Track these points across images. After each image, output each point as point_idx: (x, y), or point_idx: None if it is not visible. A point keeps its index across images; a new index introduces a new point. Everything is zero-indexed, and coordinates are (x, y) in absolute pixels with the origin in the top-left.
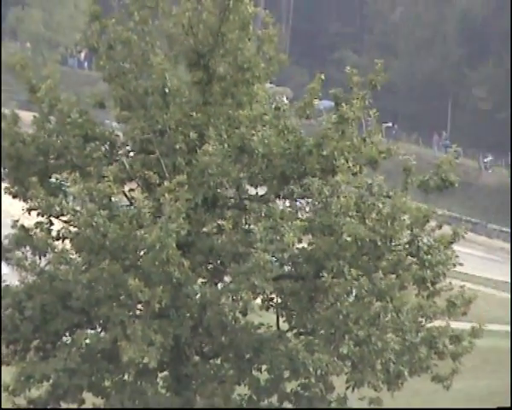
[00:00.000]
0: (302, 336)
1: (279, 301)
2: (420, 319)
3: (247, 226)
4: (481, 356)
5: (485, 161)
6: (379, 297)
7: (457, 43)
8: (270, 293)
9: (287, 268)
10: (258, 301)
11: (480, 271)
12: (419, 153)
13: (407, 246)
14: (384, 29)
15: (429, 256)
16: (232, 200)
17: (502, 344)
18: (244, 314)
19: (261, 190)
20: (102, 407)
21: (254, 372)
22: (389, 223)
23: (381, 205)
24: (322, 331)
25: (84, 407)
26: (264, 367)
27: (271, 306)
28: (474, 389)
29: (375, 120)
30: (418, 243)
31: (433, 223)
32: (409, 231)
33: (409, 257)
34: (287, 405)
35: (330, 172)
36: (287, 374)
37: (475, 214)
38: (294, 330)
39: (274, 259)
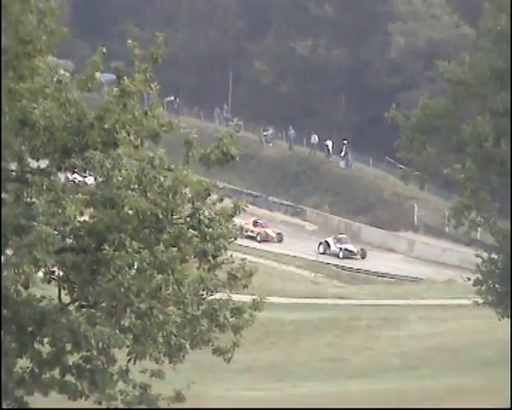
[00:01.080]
0: (84, 309)
1: (61, 274)
2: (201, 292)
3: (28, 199)
4: (262, 328)
5: (266, 134)
6: (160, 270)
7: (238, 15)
8: (52, 266)
9: (68, 241)
10: (40, 274)
11: (261, 244)
12: (200, 126)
13: (188, 219)
14: (165, 1)
15: (210, 229)
16: (14, 173)
17: (282, 316)
18: (26, 287)
19: (43, 163)
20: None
21: (36, 345)
22: (170, 196)
23: (162, 178)
24: (103, 304)
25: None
26: (46, 340)
27: (53, 279)
28: (256, 361)
29: (156, 94)
30: (199, 216)
31: (214, 196)
32: (190, 205)
33: (190, 230)
34: (69, 377)
35: (112, 146)
36: (69, 347)
37: (256, 187)
38: (76, 303)
39: (56, 232)
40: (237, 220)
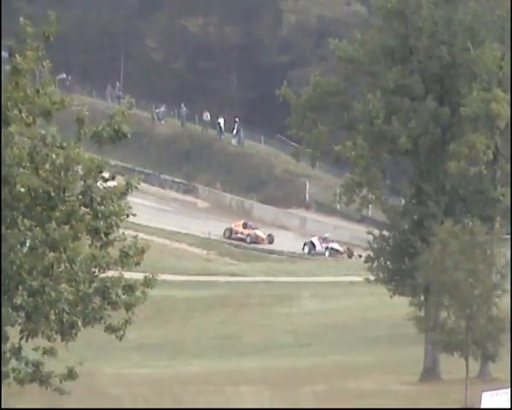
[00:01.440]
0: None
1: None
2: (93, 270)
3: None
4: (154, 306)
5: (158, 111)
6: (52, 248)
7: None
8: None
9: None
10: None
11: (153, 221)
12: (92, 104)
13: (80, 197)
14: None
15: (102, 207)
16: None
17: (173, 294)
18: None
19: None
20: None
21: None
22: (62, 174)
23: (54, 156)
24: None
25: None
26: None
27: None
28: (148, 339)
29: (48, 72)
30: (91, 193)
31: (106, 174)
32: (82, 182)
33: (82, 208)
34: None
35: (4, 123)
36: None
37: (148, 165)
38: None
39: None
40: (227, 223)
